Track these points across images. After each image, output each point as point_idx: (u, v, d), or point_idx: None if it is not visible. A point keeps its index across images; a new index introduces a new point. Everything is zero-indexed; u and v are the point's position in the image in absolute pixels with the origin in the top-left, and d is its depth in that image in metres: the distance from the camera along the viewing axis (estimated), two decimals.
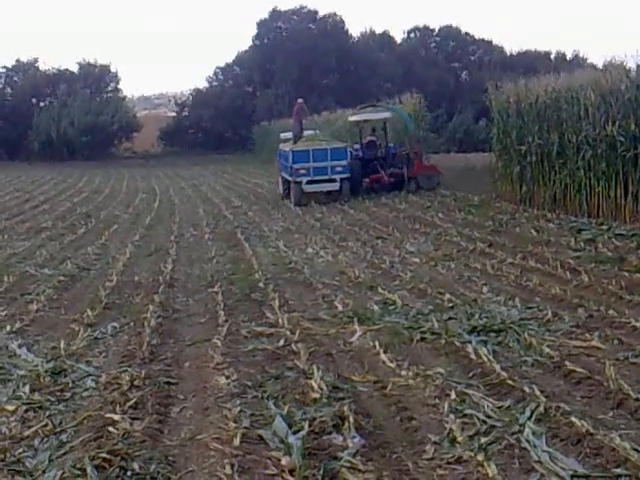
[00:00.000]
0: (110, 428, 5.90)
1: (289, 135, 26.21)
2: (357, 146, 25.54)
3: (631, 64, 16.39)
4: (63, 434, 6.00)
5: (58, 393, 7.01)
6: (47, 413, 6.46)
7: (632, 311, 8.82)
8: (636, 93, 15.33)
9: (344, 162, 23.38)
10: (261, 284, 11.63)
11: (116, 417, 6.10)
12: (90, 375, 7.49)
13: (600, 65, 23.09)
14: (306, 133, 25.43)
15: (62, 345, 8.49)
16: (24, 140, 61.36)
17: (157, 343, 8.59)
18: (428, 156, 29.53)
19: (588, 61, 58.91)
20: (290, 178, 23.84)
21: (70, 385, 7.22)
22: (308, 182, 23.33)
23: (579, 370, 6.81)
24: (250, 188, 31.76)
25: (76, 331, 9.21)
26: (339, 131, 31.52)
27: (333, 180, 23.44)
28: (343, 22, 65.54)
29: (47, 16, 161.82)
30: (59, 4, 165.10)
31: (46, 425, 6.17)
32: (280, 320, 9.22)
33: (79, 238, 18.39)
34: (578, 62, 58.77)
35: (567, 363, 7.03)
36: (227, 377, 7.10)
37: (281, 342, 8.36)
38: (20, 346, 8.58)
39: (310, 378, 6.91)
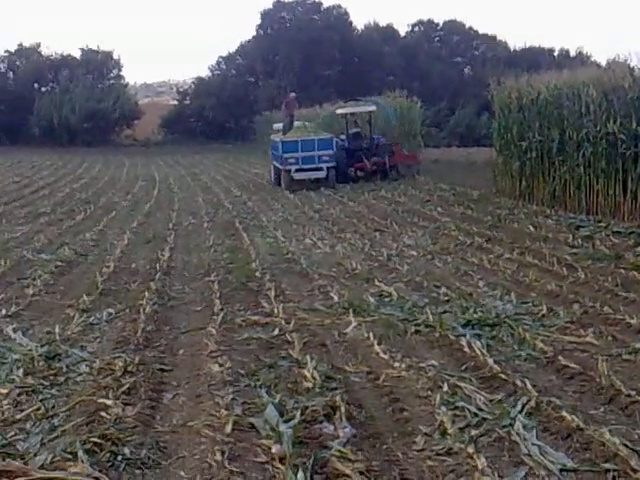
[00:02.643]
0: (102, 413, 5.91)
1: (281, 126, 27.83)
2: (343, 137, 27.36)
3: (635, 62, 16.39)
4: (55, 418, 6.00)
5: (51, 377, 7.01)
6: (40, 397, 6.47)
7: (627, 308, 8.83)
8: (638, 92, 15.30)
9: (330, 152, 25.06)
10: (258, 273, 11.63)
11: (109, 402, 6.11)
12: (84, 360, 7.50)
13: (603, 63, 23.15)
14: (296, 124, 27.02)
15: (57, 330, 8.50)
16: (25, 125, 61.33)
17: (152, 330, 8.60)
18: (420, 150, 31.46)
19: (592, 59, 58.92)
20: (280, 166, 25.58)
21: (64, 370, 7.22)
22: (297, 170, 25.08)
23: (572, 365, 6.82)
24: (250, 178, 31.76)
25: (71, 316, 9.22)
26: (327, 122, 32.55)
27: (320, 169, 25.15)
28: (347, 14, 65.60)
29: (51, 1, 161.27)
30: None
31: (39, 409, 6.18)
32: (275, 310, 9.23)
33: (77, 224, 18.40)
34: (581, 59, 58.73)
35: (560, 358, 7.04)
36: (221, 365, 7.11)
37: (276, 331, 8.36)
38: (15, 330, 8.59)
39: (303, 368, 6.92)
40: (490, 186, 21.83)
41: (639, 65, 16.02)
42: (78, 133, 60.59)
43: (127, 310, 9.57)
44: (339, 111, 29.45)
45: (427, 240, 14.57)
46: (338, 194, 23.34)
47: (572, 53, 65.76)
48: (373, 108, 28.58)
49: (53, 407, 6.26)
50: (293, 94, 28.94)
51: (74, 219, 19.18)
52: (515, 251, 12.83)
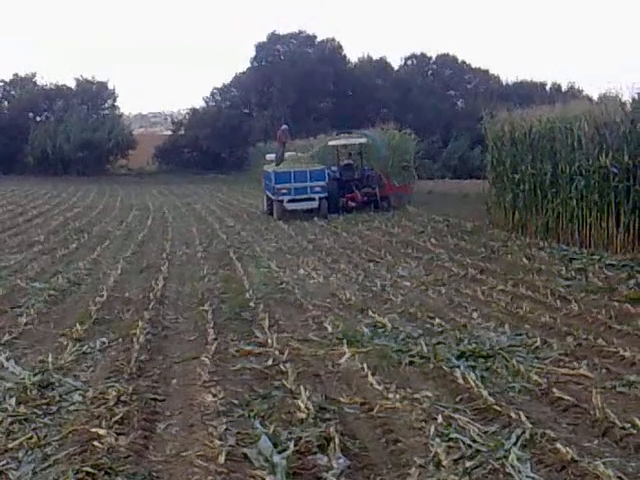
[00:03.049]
0: (95, 442, 5.89)
1: (274, 157, 28.24)
2: (335, 168, 27.76)
3: (626, 97, 16.54)
4: (48, 447, 5.99)
5: (44, 406, 6.99)
6: (32, 426, 6.45)
7: (621, 341, 8.85)
8: (630, 126, 15.45)
9: (322, 183, 25.60)
10: (252, 303, 11.63)
11: (102, 432, 6.08)
12: (77, 389, 7.48)
13: (595, 97, 23.36)
14: (288, 155, 27.61)
15: (50, 359, 8.47)
16: (19, 154, 61.37)
17: (145, 359, 8.58)
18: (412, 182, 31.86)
19: (583, 93, 59.27)
20: (273, 197, 25.99)
21: (56, 399, 7.20)
22: (289, 200, 25.55)
23: (566, 398, 6.83)
24: (244, 208, 31.81)
25: (64, 345, 9.20)
26: (320, 154, 32.95)
27: (312, 199, 25.61)
28: (341, 47, 65.95)
29: (46, 31, 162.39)
30: (59, 20, 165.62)
31: (31, 438, 6.15)
32: (269, 340, 9.22)
33: (71, 253, 18.37)
34: (573, 93, 59.06)
35: (554, 390, 7.04)
36: (214, 395, 7.10)
37: (269, 362, 8.36)
38: (8, 359, 8.57)
39: (297, 398, 6.91)
40: (483, 218, 21.91)
41: (630, 100, 16.16)
42: (72, 162, 60.60)
43: (120, 339, 9.55)
44: (331, 143, 29.93)
45: (421, 271, 14.60)
46: (332, 225, 23.40)
47: (564, 87, 66.21)
48: (364, 140, 29.23)
49: (45, 436, 6.24)
50: (285, 126, 29.47)
51: (68, 248, 19.15)
52: (509, 283, 12.86)
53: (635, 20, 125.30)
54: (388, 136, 33.82)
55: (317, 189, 25.48)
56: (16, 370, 8.14)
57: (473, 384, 7.23)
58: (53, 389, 7.50)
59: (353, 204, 26.96)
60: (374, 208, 26.67)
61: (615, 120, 15.95)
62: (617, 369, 7.83)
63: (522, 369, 7.75)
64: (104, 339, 9.55)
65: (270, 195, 26.60)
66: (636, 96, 15.86)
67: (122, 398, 7.01)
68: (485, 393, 6.94)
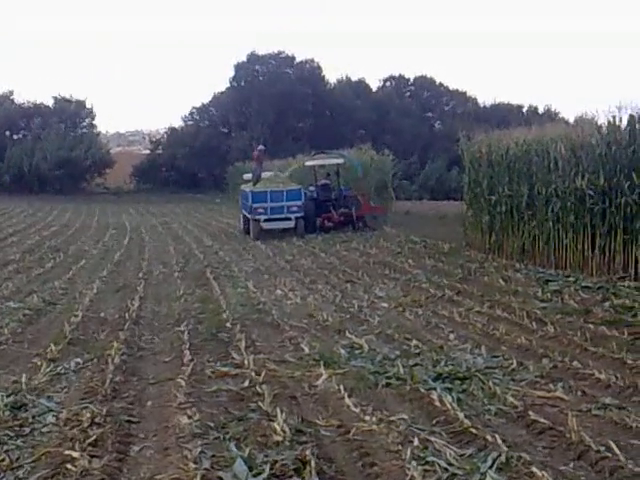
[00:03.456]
0: (68, 465, 5.83)
1: (250, 176, 28.49)
2: (312, 188, 28.19)
3: (602, 120, 16.71)
4: (20, 470, 5.92)
5: (17, 428, 6.91)
6: (5, 448, 6.37)
7: (596, 363, 8.89)
8: (606, 149, 15.60)
9: (299, 202, 25.91)
10: (228, 324, 11.58)
11: (75, 454, 6.02)
12: (51, 411, 7.40)
13: (571, 120, 23.60)
14: (265, 175, 27.71)
15: (23, 379, 8.38)
16: None
17: (120, 380, 8.50)
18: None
19: (560, 115, 59.99)
20: (250, 216, 26.18)
21: (30, 420, 7.12)
22: (266, 220, 25.76)
23: (542, 420, 6.83)
24: (222, 228, 31.76)
25: (39, 366, 9.11)
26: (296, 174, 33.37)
27: (289, 219, 25.89)
28: (320, 68, 66.30)
29: (24, 50, 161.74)
30: (38, 39, 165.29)
31: (3, 460, 6.08)
32: (246, 361, 9.17)
33: (46, 272, 18.23)
34: (550, 116, 59.74)
35: (530, 413, 7.04)
36: (189, 417, 7.04)
37: (246, 383, 8.31)
38: None
39: (273, 420, 6.86)
40: (460, 239, 21.99)
41: (606, 122, 16.33)
42: (49, 181, 60.35)
43: (95, 360, 9.47)
44: (308, 163, 30.29)
45: (398, 292, 14.62)
46: (309, 245, 23.39)
47: (540, 110, 66.99)
48: (340, 161, 29.58)
49: (18, 458, 6.17)
50: (262, 146, 29.91)
51: (43, 267, 19.02)
52: (485, 304, 12.90)
53: (611, 44, 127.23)
54: (365, 157, 34.09)
55: (293, 209, 25.78)
56: None
57: (449, 406, 7.22)
58: (26, 410, 7.42)
59: (330, 224, 27.27)
60: (352, 228, 26.98)
61: (591, 142, 16.09)
62: (592, 392, 7.85)
63: (498, 391, 7.75)
64: (79, 359, 9.47)
65: (247, 214, 26.84)
66: (611, 119, 16.02)
67: (96, 420, 6.94)
68: (461, 416, 6.93)
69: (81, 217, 38.62)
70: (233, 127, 65.25)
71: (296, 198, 25.89)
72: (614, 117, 15.95)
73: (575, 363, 8.84)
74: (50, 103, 68.81)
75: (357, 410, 7.32)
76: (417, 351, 9.72)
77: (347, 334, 10.78)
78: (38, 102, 68.80)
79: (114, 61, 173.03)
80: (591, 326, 10.85)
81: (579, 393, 7.83)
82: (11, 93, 68.14)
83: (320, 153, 31.67)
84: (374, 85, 70.32)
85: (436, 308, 12.88)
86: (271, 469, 5.75)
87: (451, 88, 71.27)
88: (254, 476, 5.60)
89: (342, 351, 9.76)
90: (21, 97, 69.05)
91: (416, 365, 8.97)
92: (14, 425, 6.97)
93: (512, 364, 8.89)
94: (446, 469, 5.79)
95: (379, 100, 66.27)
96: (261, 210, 25.64)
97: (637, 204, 14.70)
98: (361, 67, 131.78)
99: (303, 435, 6.59)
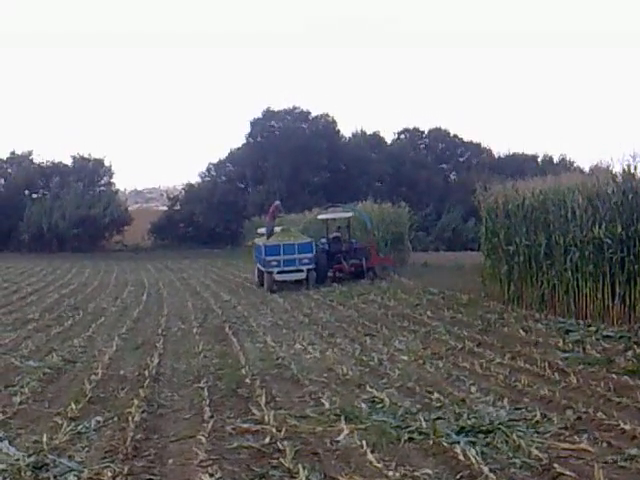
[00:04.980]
0: None
1: (265, 230, 29.40)
2: (324, 240, 29.50)
3: (617, 168, 16.72)
4: None
5: None
6: None
7: (621, 413, 8.78)
8: (622, 197, 15.60)
9: (310, 255, 26.93)
10: (248, 380, 11.54)
11: None
12: (72, 470, 7.35)
13: (587, 169, 23.65)
14: (277, 229, 28.73)
15: (44, 439, 8.36)
16: (15, 231, 61.60)
17: (141, 438, 8.46)
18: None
19: (575, 164, 60.12)
20: (263, 268, 27.15)
21: None
22: (279, 272, 26.71)
23: (568, 473, 6.74)
24: (239, 282, 31.81)
25: (59, 425, 9.08)
26: (308, 227, 34.19)
27: (300, 270, 26.86)
28: (335, 122, 66.87)
29: (43, 110, 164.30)
30: (57, 99, 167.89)
31: None
32: (266, 417, 9.11)
33: (66, 330, 18.28)
34: (565, 165, 59.97)
35: (556, 465, 6.95)
36: (211, 475, 6.99)
37: (267, 440, 8.25)
38: (1, 439, 8.46)
39: (295, 477, 6.81)
40: (479, 290, 21.89)
41: (621, 171, 16.34)
42: (67, 239, 60.90)
43: (116, 418, 9.44)
44: (320, 217, 31.62)
45: (418, 344, 14.54)
46: (327, 298, 23.37)
47: (555, 159, 67.21)
48: (350, 214, 30.77)
49: None
50: (278, 202, 30.75)
51: (62, 325, 19.07)
52: (506, 356, 12.80)
53: (624, 93, 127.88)
54: (381, 211, 34.69)
55: (305, 261, 26.75)
56: (10, 451, 8.01)
57: (474, 460, 7.13)
58: (47, 470, 7.38)
59: (341, 274, 28.51)
60: (363, 278, 27.81)
61: (607, 191, 16.10)
62: (618, 443, 7.74)
63: (522, 444, 7.66)
64: (99, 418, 9.44)
65: (261, 267, 27.74)
66: (626, 167, 16.05)
67: (118, 479, 6.90)
68: (486, 469, 6.84)
69: (99, 274, 38.80)
70: (250, 182, 65.72)
71: (307, 250, 26.86)
72: (629, 166, 15.99)
73: (599, 414, 8.73)
74: (69, 162, 69.79)
75: (380, 465, 7.24)
76: (439, 404, 9.64)
77: (368, 388, 10.71)
78: (57, 161, 69.78)
79: (131, 119, 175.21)
80: (614, 376, 10.74)
81: (604, 444, 7.72)
82: (30, 153, 69.13)
83: (332, 207, 32.79)
84: (389, 138, 70.93)
85: (457, 360, 12.79)
86: None
87: (465, 139, 71.78)
88: None
89: (363, 405, 9.69)
90: (40, 157, 70.05)
91: (438, 419, 8.88)
92: None
93: (535, 416, 8.79)
94: None
95: (394, 153, 66.69)
96: (274, 262, 26.56)
97: None
98: (376, 120, 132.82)
99: None
